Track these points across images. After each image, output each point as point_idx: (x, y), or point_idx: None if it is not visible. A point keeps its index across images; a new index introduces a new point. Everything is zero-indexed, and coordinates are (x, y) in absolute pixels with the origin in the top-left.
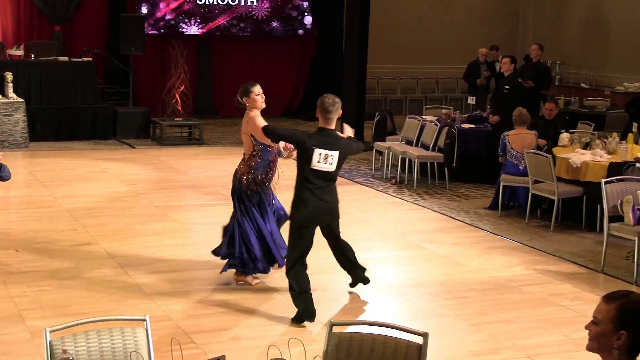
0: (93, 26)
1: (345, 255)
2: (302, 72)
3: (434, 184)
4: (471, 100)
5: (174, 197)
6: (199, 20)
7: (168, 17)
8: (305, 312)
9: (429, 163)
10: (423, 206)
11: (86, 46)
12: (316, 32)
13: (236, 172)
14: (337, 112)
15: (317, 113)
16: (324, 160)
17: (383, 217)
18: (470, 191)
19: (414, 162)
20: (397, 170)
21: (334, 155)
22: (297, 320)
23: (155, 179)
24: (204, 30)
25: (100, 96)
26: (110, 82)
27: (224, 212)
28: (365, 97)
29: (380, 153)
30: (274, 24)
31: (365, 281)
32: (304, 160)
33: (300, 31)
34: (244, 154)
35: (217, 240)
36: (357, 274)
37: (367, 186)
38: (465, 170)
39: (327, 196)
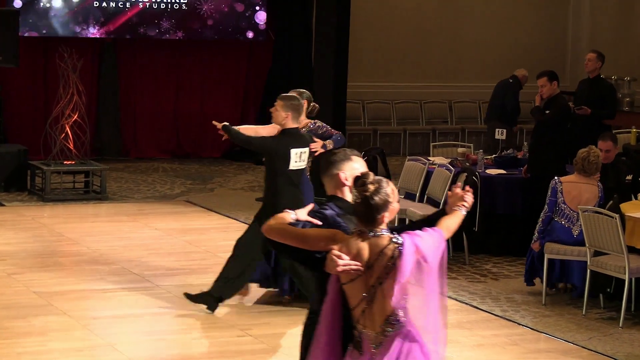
0: None
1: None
2: (252, 92)
3: (447, 256)
4: (500, 134)
5: (62, 279)
6: (100, 17)
7: (54, 12)
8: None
9: None
10: None
11: None
12: (273, 34)
13: None
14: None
15: (284, 114)
16: (299, 158)
17: None
18: (500, 267)
19: None
20: None
21: (306, 151)
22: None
23: (34, 252)
24: (108, 31)
25: None
26: None
27: (136, 300)
28: (345, 129)
29: None
30: (211, 22)
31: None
32: (281, 164)
33: (250, 33)
34: None
35: (127, 340)
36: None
37: None
38: (492, 237)
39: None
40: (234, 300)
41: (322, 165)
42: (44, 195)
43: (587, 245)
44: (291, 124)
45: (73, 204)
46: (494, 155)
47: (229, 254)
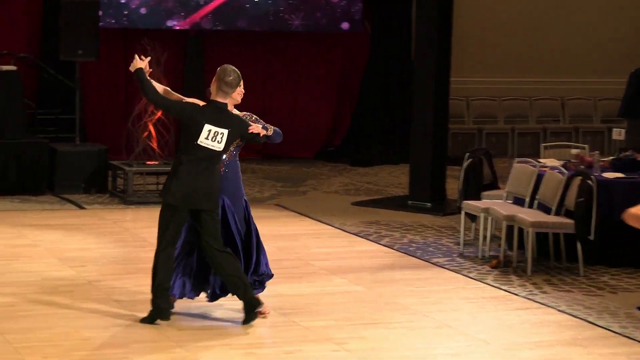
0: (17, 16)
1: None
2: (347, 89)
3: (560, 267)
4: (618, 134)
5: (145, 287)
6: (184, 8)
7: (136, 2)
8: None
9: (550, 234)
10: (542, 303)
11: (7, 48)
12: (369, 26)
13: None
14: (235, 91)
15: (213, 83)
16: (213, 138)
17: (478, 321)
18: (618, 279)
19: (528, 232)
20: (499, 245)
21: (224, 133)
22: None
23: (115, 258)
24: (193, 22)
25: (29, 126)
26: (44, 104)
27: (224, 311)
28: (447, 128)
29: (472, 218)
30: (303, 12)
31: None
32: (190, 135)
33: (345, 25)
34: None
35: (214, 354)
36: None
37: (452, 270)
38: (611, 246)
39: (209, 177)
40: (329, 312)
41: None
42: (126, 198)
43: None
44: (216, 96)
45: (157, 207)
46: (611, 157)
47: (322, 262)
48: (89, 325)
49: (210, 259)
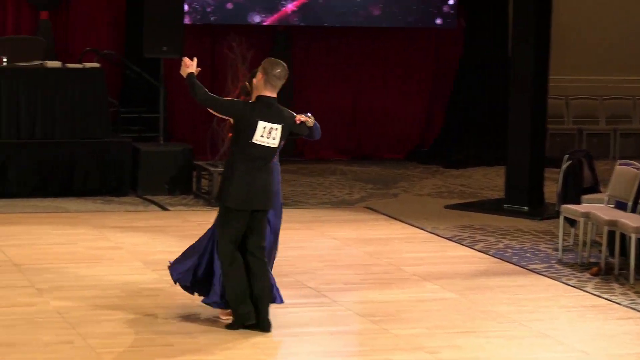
0: (101, 13)
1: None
2: (440, 88)
3: None
4: None
5: None
6: (272, 3)
7: None
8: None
9: None
10: None
11: (90, 45)
12: (464, 22)
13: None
14: (282, 83)
15: (259, 79)
16: (268, 134)
17: (577, 331)
18: None
19: (631, 238)
20: (600, 251)
21: (278, 128)
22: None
23: None
24: (280, 18)
25: (113, 125)
26: (128, 102)
27: (311, 317)
28: (546, 129)
29: (572, 223)
30: (395, 8)
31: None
32: (244, 134)
33: (439, 20)
34: None
35: None
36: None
37: (549, 277)
38: None
39: (265, 176)
40: (421, 320)
41: None
42: (211, 199)
43: None
44: (264, 90)
45: None
46: None
47: (414, 267)
48: (173, 331)
49: (255, 261)
